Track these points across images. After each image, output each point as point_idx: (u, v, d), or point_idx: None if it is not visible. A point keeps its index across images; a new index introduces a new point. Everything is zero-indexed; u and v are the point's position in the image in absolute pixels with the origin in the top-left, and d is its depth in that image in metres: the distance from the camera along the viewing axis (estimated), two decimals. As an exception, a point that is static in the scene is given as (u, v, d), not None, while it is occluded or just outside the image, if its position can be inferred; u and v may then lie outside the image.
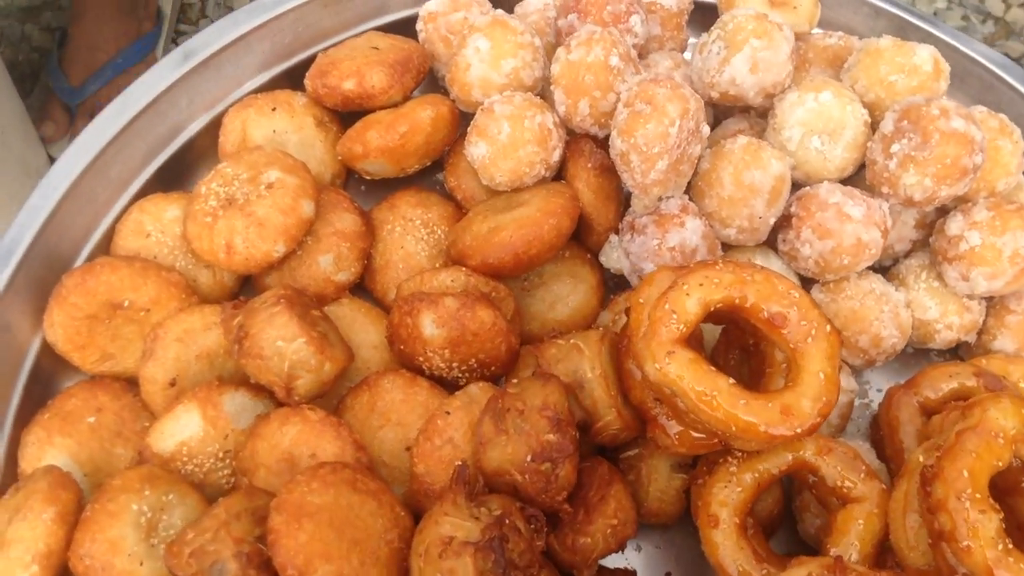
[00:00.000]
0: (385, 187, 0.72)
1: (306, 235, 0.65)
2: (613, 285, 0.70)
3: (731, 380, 0.49)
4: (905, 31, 0.78)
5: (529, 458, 0.51)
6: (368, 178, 0.72)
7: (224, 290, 0.67)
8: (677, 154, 0.59)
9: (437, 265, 0.68)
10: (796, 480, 0.58)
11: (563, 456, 0.51)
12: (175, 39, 1.27)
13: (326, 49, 0.73)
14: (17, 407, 0.62)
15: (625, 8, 0.68)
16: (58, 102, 1.21)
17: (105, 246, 0.67)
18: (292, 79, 0.74)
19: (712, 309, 0.51)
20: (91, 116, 1.18)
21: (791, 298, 0.51)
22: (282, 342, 0.57)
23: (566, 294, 0.66)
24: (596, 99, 0.63)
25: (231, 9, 1.28)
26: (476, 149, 0.65)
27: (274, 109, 0.70)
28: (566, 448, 0.51)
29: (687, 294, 0.50)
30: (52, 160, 1.12)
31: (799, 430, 0.48)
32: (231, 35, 0.69)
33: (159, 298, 0.63)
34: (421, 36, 0.73)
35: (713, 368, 0.49)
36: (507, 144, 0.64)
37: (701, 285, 0.51)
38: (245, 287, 0.69)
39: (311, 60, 0.73)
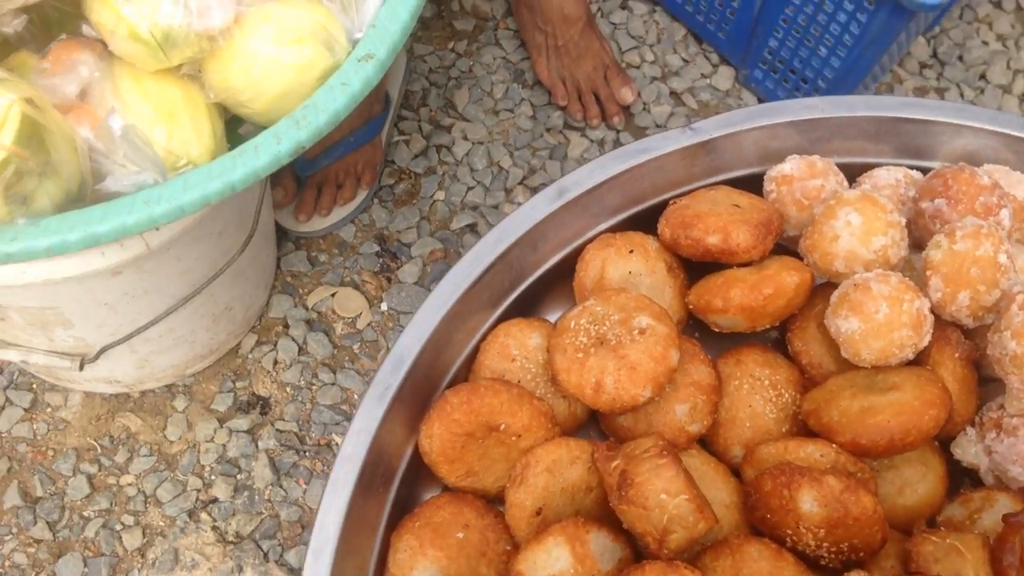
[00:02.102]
0: (717, 338, 0.77)
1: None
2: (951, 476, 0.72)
3: None
4: None
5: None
6: (716, 330, 0.77)
7: (575, 421, 0.72)
8: (1071, 364, 0.62)
9: (784, 429, 0.71)
10: None
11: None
12: (397, 123, 1.36)
13: (676, 197, 0.78)
14: (390, 511, 0.67)
15: (996, 200, 0.72)
16: (289, 170, 1.31)
17: (468, 364, 0.73)
18: (636, 222, 0.79)
19: None
20: (318, 188, 1.27)
21: None
22: (665, 496, 0.61)
23: (916, 480, 0.69)
24: (979, 293, 0.67)
25: (449, 101, 1.37)
26: (846, 323, 0.69)
27: (631, 251, 0.75)
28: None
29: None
30: (277, 226, 1.21)
31: None
32: (600, 177, 0.75)
33: (530, 426, 0.68)
34: (771, 196, 0.78)
35: None
36: (883, 324, 0.68)
37: None
38: (589, 421, 0.74)
39: (658, 206, 0.78)
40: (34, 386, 1.14)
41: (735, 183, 0.80)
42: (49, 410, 1.13)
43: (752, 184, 0.79)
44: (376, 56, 0.78)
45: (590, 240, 0.77)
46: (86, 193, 0.73)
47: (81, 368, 1.01)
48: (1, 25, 0.75)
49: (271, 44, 0.75)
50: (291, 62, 0.75)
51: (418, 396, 0.69)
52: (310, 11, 0.76)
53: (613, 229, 0.78)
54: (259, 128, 0.83)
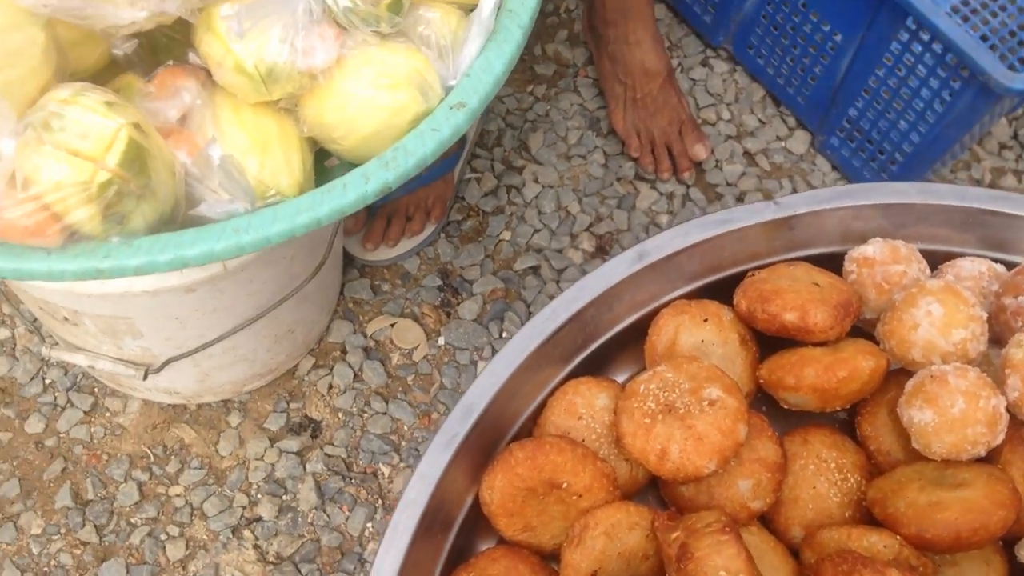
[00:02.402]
0: (785, 414, 0.77)
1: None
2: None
3: None
4: None
5: None
6: (785, 407, 0.77)
7: (636, 485, 0.73)
8: None
9: (846, 514, 0.71)
10: None
11: None
12: (470, 161, 1.39)
13: (754, 270, 0.79)
14: (445, 558, 0.68)
15: (1081, 304, 0.71)
16: (359, 200, 1.35)
17: (535, 417, 0.74)
18: (712, 291, 0.80)
19: None
20: (388, 218, 1.29)
21: None
22: (724, 573, 0.61)
23: (978, 579, 0.69)
24: (1058, 398, 0.67)
25: (523, 143, 1.40)
26: (920, 414, 0.69)
27: (706, 320, 0.76)
28: None
29: None
30: (344, 252, 1.23)
31: None
32: (681, 244, 0.76)
33: (592, 487, 0.69)
34: (851, 277, 0.79)
35: None
36: (957, 419, 0.67)
37: None
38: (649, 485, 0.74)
39: (736, 276, 0.79)
40: (95, 390, 1.18)
41: (815, 260, 0.80)
42: (108, 415, 1.17)
43: (832, 263, 0.80)
44: (468, 105, 0.80)
45: (665, 305, 0.78)
46: (178, 215, 0.76)
47: (145, 378, 1.04)
48: (113, 47, 0.79)
49: (368, 86, 0.77)
50: (385, 104, 0.78)
51: (482, 445, 0.70)
52: (409, 57, 0.79)
53: (689, 296, 0.79)
54: (345, 163, 0.86)
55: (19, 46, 0.68)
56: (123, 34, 0.76)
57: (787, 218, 0.78)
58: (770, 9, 1.32)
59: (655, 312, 0.78)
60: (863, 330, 0.80)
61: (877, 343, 0.76)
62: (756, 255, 0.80)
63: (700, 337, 0.76)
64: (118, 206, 0.70)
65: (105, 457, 1.14)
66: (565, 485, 0.68)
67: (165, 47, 0.82)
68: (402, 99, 0.78)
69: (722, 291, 0.79)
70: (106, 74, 0.80)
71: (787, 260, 0.80)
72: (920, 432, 0.69)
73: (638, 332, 0.78)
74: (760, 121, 1.41)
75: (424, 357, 1.24)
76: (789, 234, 0.79)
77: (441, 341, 1.25)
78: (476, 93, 0.80)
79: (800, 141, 1.39)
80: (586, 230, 1.33)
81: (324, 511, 1.13)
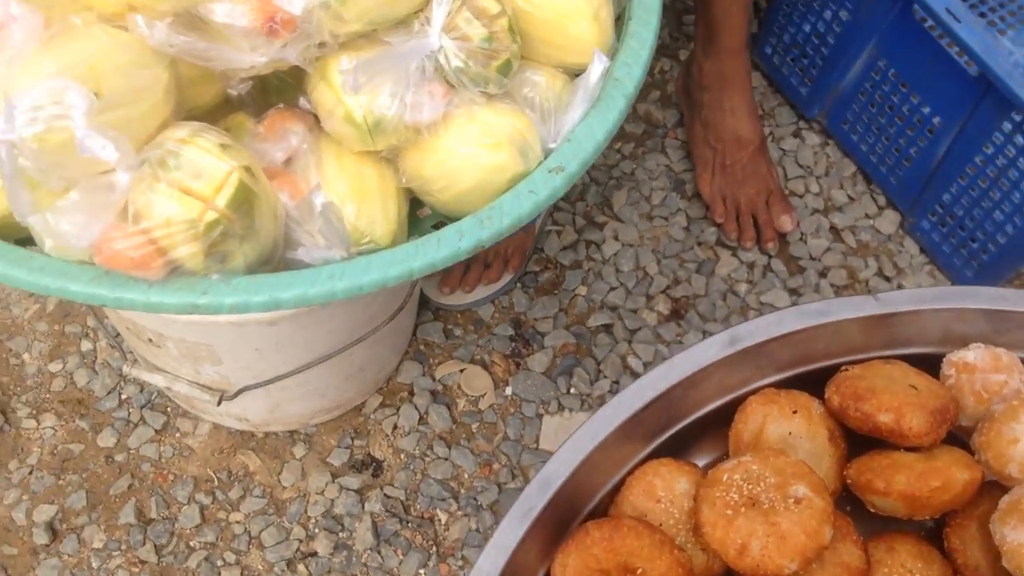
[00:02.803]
0: (869, 517, 0.74)
1: (814, 558, 0.68)
2: None
3: None
4: None
5: None
6: (871, 510, 0.74)
7: (711, 574, 0.71)
8: None
9: (930, 630, 0.69)
10: None
11: None
12: (552, 213, 1.39)
13: (848, 364, 0.77)
14: (511, 635, 0.67)
15: None
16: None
17: (612, 494, 0.73)
18: (801, 381, 0.78)
19: None
20: (467, 264, 1.29)
21: None
22: None
23: None
24: None
25: (607, 199, 1.39)
26: (1014, 533, 0.66)
27: (795, 412, 0.74)
28: None
29: None
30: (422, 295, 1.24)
31: None
32: (776, 331, 0.75)
33: (667, 575, 0.67)
34: (949, 381, 0.76)
35: None
36: (1056, 546, 0.65)
37: None
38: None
39: (828, 369, 0.77)
40: (168, 410, 1.19)
41: (911, 359, 0.78)
42: (178, 435, 1.18)
43: (927, 363, 0.77)
44: (567, 170, 0.80)
45: (753, 392, 0.76)
46: (275, 256, 0.77)
47: (219, 403, 1.05)
48: (228, 87, 0.80)
49: (471, 144, 0.78)
50: (486, 163, 0.78)
51: (557, 519, 0.69)
52: (513, 118, 0.79)
53: (778, 385, 0.77)
54: (438, 214, 0.86)
55: (144, 84, 0.70)
56: (241, 76, 0.78)
57: (886, 315, 0.76)
58: (869, 87, 1.31)
59: (742, 398, 0.76)
60: (956, 436, 0.77)
61: (971, 452, 0.73)
62: (851, 349, 0.78)
63: (788, 429, 0.74)
64: (222, 245, 0.71)
65: (171, 477, 1.15)
66: (640, 571, 0.67)
67: (277, 89, 0.83)
68: (502, 159, 0.79)
69: (813, 383, 0.77)
70: (219, 112, 0.81)
71: (883, 357, 0.77)
72: (1013, 552, 0.66)
73: (723, 417, 0.76)
74: (849, 197, 1.39)
75: (490, 406, 1.23)
76: (887, 331, 0.77)
77: (508, 391, 1.24)
78: (576, 158, 0.80)
79: (889, 221, 1.36)
80: (662, 292, 1.32)
81: (379, 552, 1.13)
